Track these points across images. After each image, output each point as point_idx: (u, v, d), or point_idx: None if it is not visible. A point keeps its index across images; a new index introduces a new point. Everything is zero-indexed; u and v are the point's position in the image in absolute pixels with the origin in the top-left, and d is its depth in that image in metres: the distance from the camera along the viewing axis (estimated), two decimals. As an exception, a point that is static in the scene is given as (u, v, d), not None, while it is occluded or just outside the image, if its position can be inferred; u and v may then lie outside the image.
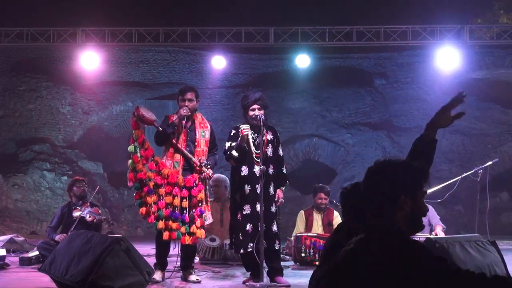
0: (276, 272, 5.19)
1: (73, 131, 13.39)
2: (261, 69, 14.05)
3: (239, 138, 5.21)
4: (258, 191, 5.05)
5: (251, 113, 5.24)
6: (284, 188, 5.44)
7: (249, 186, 5.19)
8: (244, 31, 10.67)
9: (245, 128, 5.18)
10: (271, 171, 5.23)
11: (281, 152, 5.45)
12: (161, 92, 13.83)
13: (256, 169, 5.14)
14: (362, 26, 10.76)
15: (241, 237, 5.17)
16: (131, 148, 5.20)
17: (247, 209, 5.17)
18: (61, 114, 13.24)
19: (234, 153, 5.21)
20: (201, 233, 5.30)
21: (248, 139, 5.20)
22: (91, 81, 12.88)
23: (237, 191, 5.30)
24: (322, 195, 7.24)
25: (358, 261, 1.93)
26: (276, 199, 5.29)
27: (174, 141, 5.34)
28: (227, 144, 5.33)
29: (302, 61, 11.07)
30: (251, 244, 5.07)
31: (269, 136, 5.34)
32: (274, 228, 5.16)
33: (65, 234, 6.51)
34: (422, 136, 2.63)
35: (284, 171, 5.45)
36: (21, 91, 13.08)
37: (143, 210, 5.17)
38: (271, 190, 5.23)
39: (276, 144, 5.39)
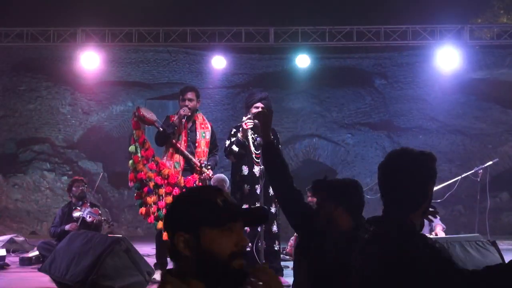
0: (276, 272, 5.18)
1: (73, 131, 13.39)
2: (261, 69, 14.05)
3: (240, 131, 5.20)
4: (258, 191, 5.06)
5: (254, 111, 5.23)
6: None
7: (248, 186, 5.20)
8: (244, 31, 10.66)
9: (248, 122, 5.17)
10: None
11: None
12: (161, 92, 13.83)
13: (256, 169, 5.14)
14: (362, 26, 10.75)
15: None
16: (131, 148, 5.20)
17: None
18: (61, 114, 13.24)
19: (234, 147, 5.21)
20: (201, 233, 5.30)
21: (247, 135, 5.20)
22: (91, 81, 12.87)
23: (237, 191, 5.32)
24: (308, 193, 7.32)
25: (368, 253, 1.90)
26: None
27: (174, 141, 5.34)
28: (227, 142, 5.34)
29: (302, 61, 11.07)
30: (249, 244, 5.07)
31: None
32: (274, 228, 5.17)
33: (75, 223, 6.52)
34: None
35: None
36: (21, 91, 13.08)
37: (143, 210, 5.17)
38: (271, 190, 5.23)
39: (276, 146, 5.38)
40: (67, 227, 6.54)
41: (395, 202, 1.97)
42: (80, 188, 6.91)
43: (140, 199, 5.20)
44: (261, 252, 4.84)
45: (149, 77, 13.85)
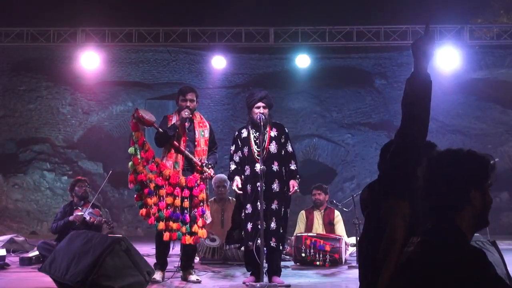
0: (271, 272, 5.20)
1: (73, 131, 13.40)
2: (261, 69, 14.05)
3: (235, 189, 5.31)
4: (260, 189, 5.07)
5: (255, 111, 5.26)
6: (298, 178, 5.37)
7: (251, 185, 5.21)
8: (244, 31, 10.67)
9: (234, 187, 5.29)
10: (275, 168, 5.22)
11: (290, 149, 5.41)
12: (161, 92, 13.84)
13: (257, 167, 5.14)
14: (362, 26, 10.76)
15: (243, 235, 5.23)
16: (131, 150, 5.18)
17: (248, 208, 5.21)
18: (61, 114, 13.24)
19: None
20: (202, 232, 5.32)
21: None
22: (91, 81, 12.88)
23: (241, 191, 5.35)
24: (315, 190, 7.34)
25: (415, 265, 1.81)
26: (291, 190, 5.26)
27: (174, 142, 5.34)
28: (232, 148, 5.40)
29: (302, 61, 11.07)
30: (251, 243, 5.09)
31: (273, 133, 5.34)
32: (273, 225, 5.15)
33: (80, 214, 6.52)
34: (413, 75, 2.17)
35: (293, 167, 5.36)
36: (21, 91, 13.08)
37: (143, 211, 5.16)
38: (275, 187, 5.21)
39: (284, 141, 5.37)
40: (71, 218, 6.54)
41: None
42: (83, 188, 6.90)
43: (140, 201, 5.19)
44: (261, 252, 4.84)
45: (149, 77, 13.85)
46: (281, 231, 5.22)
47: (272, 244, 5.13)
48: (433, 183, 1.89)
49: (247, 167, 5.29)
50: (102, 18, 11.40)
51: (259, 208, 5.06)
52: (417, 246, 1.86)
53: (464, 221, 1.86)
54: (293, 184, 5.27)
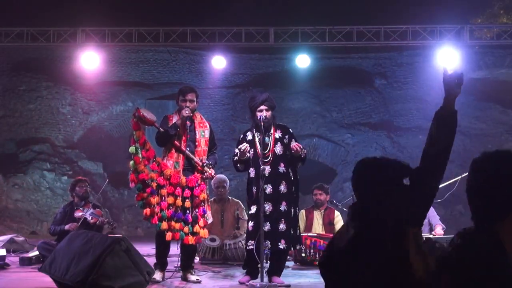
0: (272, 272, 5.20)
1: (73, 131, 13.40)
2: (261, 69, 14.05)
3: (240, 152, 5.24)
4: (267, 191, 5.09)
5: (258, 114, 5.29)
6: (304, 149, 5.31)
7: (256, 187, 5.22)
8: (244, 31, 10.66)
9: (243, 147, 5.22)
10: (281, 169, 5.24)
11: None
12: (161, 92, 13.84)
13: (262, 168, 5.16)
14: (362, 26, 10.75)
15: (245, 235, 5.29)
16: (132, 149, 5.18)
17: (252, 209, 5.24)
18: (61, 114, 13.24)
19: (239, 167, 5.38)
20: (204, 232, 5.33)
21: (247, 155, 5.26)
22: (91, 81, 12.87)
23: (247, 192, 5.39)
24: (316, 190, 7.34)
25: (445, 266, 1.77)
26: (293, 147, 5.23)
27: (176, 141, 5.35)
28: (236, 150, 5.40)
29: (302, 61, 11.07)
30: (252, 242, 5.11)
31: (277, 135, 5.37)
32: (281, 226, 5.16)
33: (75, 223, 6.52)
34: (442, 109, 2.23)
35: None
36: (21, 91, 13.08)
37: (147, 211, 5.15)
38: (282, 188, 5.22)
39: (288, 142, 5.39)
40: (66, 227, 6.54)
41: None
42: (84, 188, 6.90)
43: (142, 200, 5.19)
44: (261, 252, 4.84)
45: (149, 77, 13.85)
46: (292, 232, 5.23)
47: (281, 246, 5.13)
48: (479, 187, 1.81)
49: (251, 169, 5.32)
50: (102, 18, 11.39)
51: (266, 209, 5.09)
52: (451, 248, 1.81)
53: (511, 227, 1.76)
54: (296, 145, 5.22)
